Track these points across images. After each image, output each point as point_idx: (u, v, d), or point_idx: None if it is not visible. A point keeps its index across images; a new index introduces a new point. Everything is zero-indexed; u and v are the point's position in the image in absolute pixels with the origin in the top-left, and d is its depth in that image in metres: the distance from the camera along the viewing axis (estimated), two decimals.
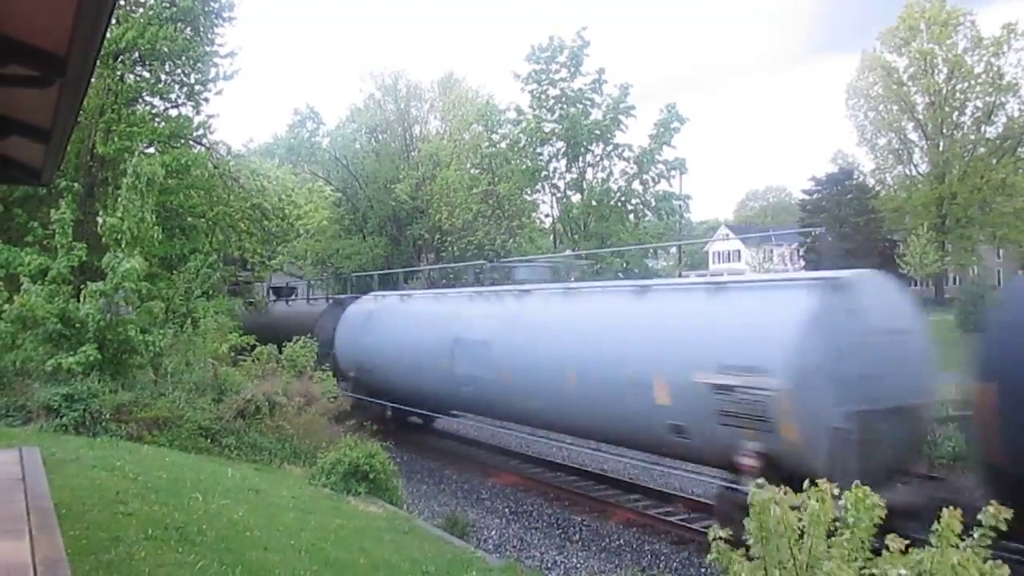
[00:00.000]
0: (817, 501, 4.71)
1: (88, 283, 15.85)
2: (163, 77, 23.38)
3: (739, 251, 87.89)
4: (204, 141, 24.58)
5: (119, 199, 16.68)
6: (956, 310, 38.83)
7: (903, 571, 4.35)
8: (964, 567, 4.33)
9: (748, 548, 4.91)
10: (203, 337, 18.41)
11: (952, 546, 4.46)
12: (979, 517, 4.64)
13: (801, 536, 4.67)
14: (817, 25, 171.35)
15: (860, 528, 4.59)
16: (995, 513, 4.58)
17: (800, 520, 4.70)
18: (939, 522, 4.54)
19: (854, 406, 9.87)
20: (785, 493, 4.80)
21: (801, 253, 63.38)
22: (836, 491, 4.80)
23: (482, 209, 38.69)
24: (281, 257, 31.78)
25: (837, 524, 4.77)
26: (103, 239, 16.40)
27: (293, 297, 31.40)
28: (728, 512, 10.63)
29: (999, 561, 4.54)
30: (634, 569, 11.51)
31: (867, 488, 4.73)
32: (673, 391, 11.67)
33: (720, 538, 5.03)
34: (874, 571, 4.44)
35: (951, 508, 4.64)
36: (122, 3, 21.46)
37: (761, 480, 5.03)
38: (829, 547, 4.57)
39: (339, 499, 12.19)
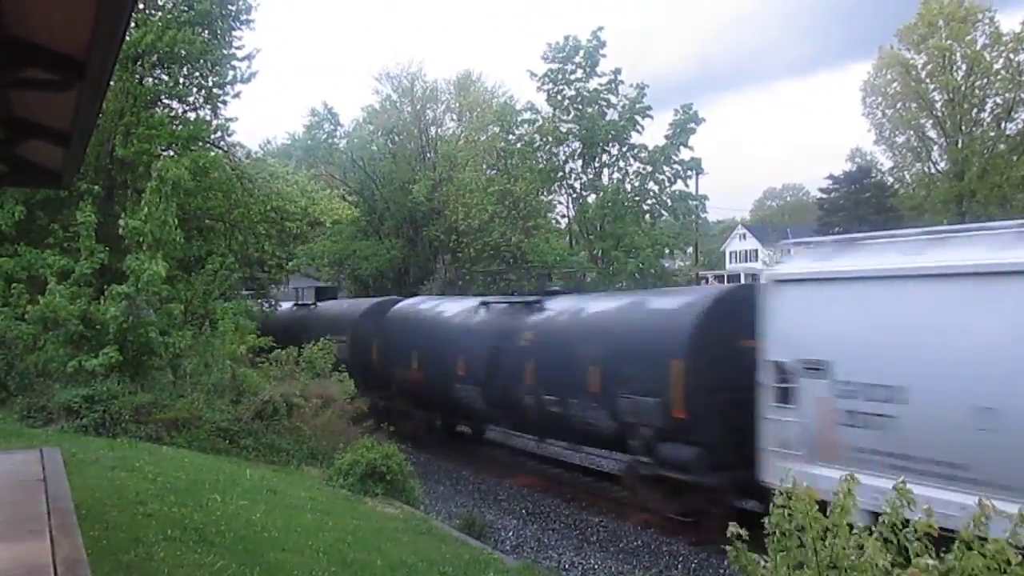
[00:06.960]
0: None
1: (109, 285, 15.95)
2: (181, 80, 23.48)
3: (756, 250, 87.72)
4: (222, 144, 24.69)
5: (143, 202, 16.74)
6: None
7: (931, 560, 4.23)
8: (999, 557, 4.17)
9: (767, 546, 4.84)
10: (221, 339, 18.48)
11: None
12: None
13: (825, 535, 4.58)
14: (837, 27, 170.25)
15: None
16: None
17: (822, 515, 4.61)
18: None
19: None
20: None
21: None
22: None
23: (498, 210, 38.60)
24: (298, 260, 31.74)
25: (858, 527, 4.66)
26: (125, 241, 16.49)
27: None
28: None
29: None
30: (652, 571, 11.46)
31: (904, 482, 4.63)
32: None
33: (738, 537, 4.95)
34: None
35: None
36: (141, 6, 21.55)
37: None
38: (861, 547, 4.44)
39: (356, 500, 12.23)
